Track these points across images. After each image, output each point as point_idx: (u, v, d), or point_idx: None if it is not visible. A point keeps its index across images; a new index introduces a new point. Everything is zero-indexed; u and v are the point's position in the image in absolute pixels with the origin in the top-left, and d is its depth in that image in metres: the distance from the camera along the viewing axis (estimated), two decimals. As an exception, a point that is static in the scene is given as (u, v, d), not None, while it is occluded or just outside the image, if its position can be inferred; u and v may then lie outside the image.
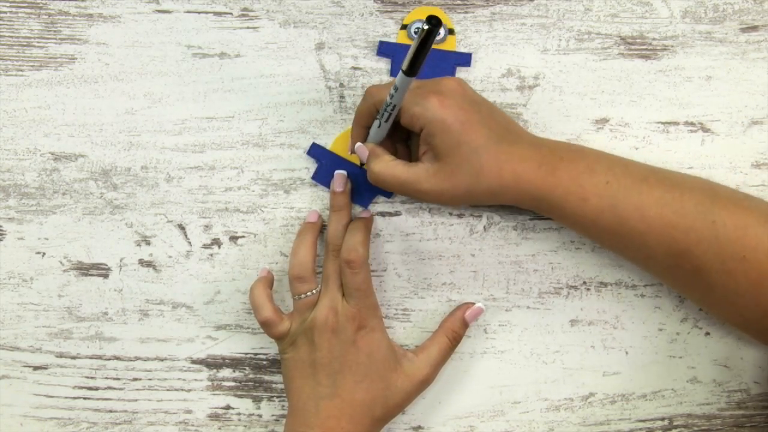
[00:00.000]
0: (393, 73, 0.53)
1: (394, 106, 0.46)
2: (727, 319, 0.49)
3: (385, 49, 0.53)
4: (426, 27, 0.40)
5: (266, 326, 0.50)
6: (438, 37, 0.53)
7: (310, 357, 0.49)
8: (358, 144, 0.50)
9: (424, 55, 0.42)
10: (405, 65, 0.43)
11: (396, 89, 0.45)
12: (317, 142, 0.53)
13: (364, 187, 0.52)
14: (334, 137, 0.53)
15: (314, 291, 0.50)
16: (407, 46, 0.53)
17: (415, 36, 0.52)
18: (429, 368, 0.50)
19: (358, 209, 0.53)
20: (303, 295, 0.50)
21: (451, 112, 0.46)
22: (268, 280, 0.51)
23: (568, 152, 0.47)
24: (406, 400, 0.50)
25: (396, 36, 0.53)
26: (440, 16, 0.53)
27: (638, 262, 0.49)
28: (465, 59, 0.53)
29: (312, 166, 0.53)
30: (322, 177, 0.53)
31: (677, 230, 0.45)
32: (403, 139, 0.51)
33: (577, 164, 0.46)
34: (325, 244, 0.51)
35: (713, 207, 0.45)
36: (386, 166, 0.48)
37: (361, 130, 0.50)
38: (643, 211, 0.45)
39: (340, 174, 0.52)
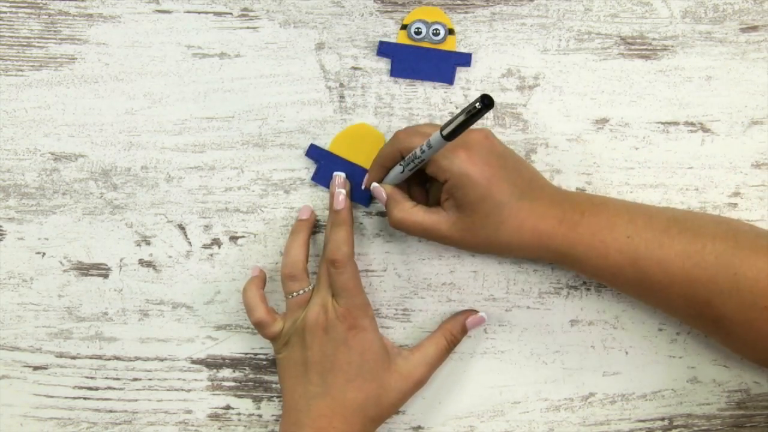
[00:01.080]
0: (393, 73, 0.53)
1: (423, 159, 0.47)
2: (748, 359, 0.50)
3: (385, 49, 0.53)
4: (478, 106, 0.41)
5: (259, 327, 0.50)
6: (438, 37, 0.53)
7: (302, 356, 0.49)
8: (375, 185, 0.50)
9: (467, 127, 0.43)
10: (446, 131, 0.43)
11: (429, 147, 0.45)
12: (317, 142, 0.53)
13: (359, 183, 0.52)
14: (333, 137, 0.53)
15: (306, 289, 0.50)
16: (407, 46, 0.53)
17: (416, 37, 0.52)
18: (424, 368, 0.50)
19: (361, 209, 0.53)
20: (295, 294, 0.50)
21: (477, 168, 0.46)
22: (261, 280, 0.51)
23: (589, 206, 0.47)
24: (400, 400, 0.50)
25: (396, 36, 0.53)
26: (440, 16, 0.53)
27: (659, 309, 0.50)
28: (465, 59, 0.53)
29: (311, 166, 0.53)
30: (322, 177, 0.53)
31: (699, 283, 0.45)
32: (419, 182, 0.51)
33: (598, 218, 0.47)
34: (324, 248, 0.51)
35: (734, 258, 0.44)
36: (408, 214, 0.48)
37: (382, 170, 0.50)
38: (665, 265, 0.45)
39: (338, 175, 0.52)
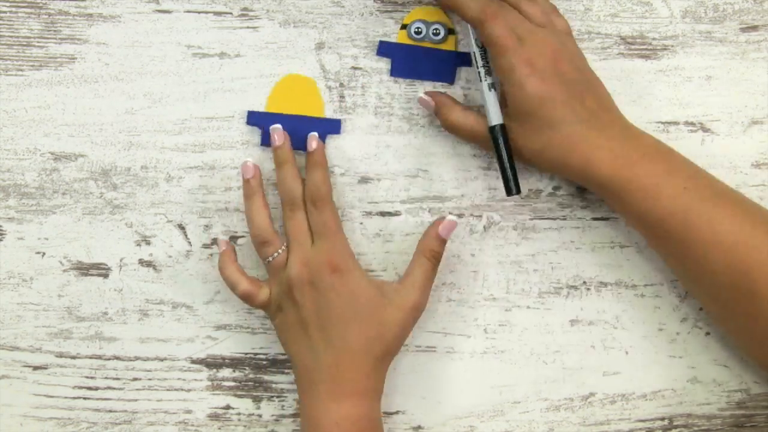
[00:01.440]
0: (393, 73, 0.53)
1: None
2: (764, 358, 0.49)
3: (385, 49, 0.53)
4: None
5: (247, 299, 0.50)
6: (438, 37, 0.53)
7: (297, 316, 0.49)
8: (424, 96, 0.51)
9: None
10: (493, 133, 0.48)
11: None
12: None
13: (306, 132, 0.52)
14: (266, 98, 0.53)
15: (281, 250, 0.50)
16: (407, 46, 0.53)
17: (417, 36, 0.52)
18: (417, 292, 0.49)
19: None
20: (271, 258, 0.50)
21: (533, 82, 0.46)
22: (232, 251, 0.51)
23: (654, 151, 0.47)
24: (403, 330, 0.50)
25: (396, 36, 0.53)
26: (440, 16, 0.53)
27: (691, 276, 0.48)
28: (466, 59, 0.53)
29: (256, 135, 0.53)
30: (269, 140, 0.52)
31: (744, 249, 0.44)
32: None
33: (657, 165, 0.46)
34: (281, 201, 0.51)
35: None
36: (462, 116, 0.50)
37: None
38: (715, 224, 0.45)
39: (274, 128, 0.51)
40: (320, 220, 0.49)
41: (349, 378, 0.48)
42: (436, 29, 0.53)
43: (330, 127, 0.53)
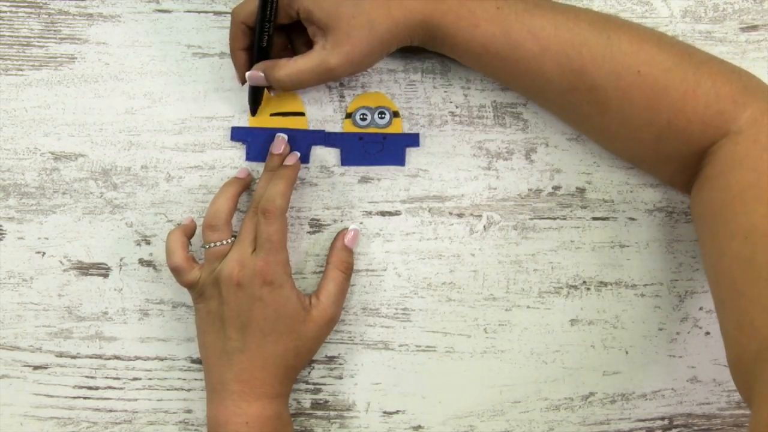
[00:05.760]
0: (343, 162, 0.53)
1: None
2: (623, 149, 0.49)
3: (332, 140, 0.53)
4: None
5: (176, 273, 0.50)
6: (383, 120, 0.53)
7: (219, 310, 0.49)
8: (250, 72, 0.49)
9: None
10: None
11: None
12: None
13: (299, 144, 0.52)
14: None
15: (225, 242, 0.49)
16: (354, 134, 0.53)
17: (362, 123, 0.53)
18: (332, 306, 0.50)
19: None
20: (212, 244, 0.49)
21: None
22: (189, 228, 0.51)
23: None
24: (318, 343, 0.51)
25: (342, 125, 0.53)
26: (383, 101, 0.53)
27: (534, 90, 0.48)
28: (413, 140, 0.53)
29: (241, 151, 0.53)
30: (255, 155, 0.52)
31: (572, 48, 0.44)
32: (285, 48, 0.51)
33: None
34: (251, 201, 0.51)
35: (607, 25, 0.45)
36: (289, 68, 0.48)
37: (242, 54, 0.50)
38: (537, 32, 0.45)
39: (280, 137, 0.52)
40: (266, 232, 0.48)
41: (261, 382, 0.48)
42: (381, 113, 0.53)
43: (317, 138, 0.53)
